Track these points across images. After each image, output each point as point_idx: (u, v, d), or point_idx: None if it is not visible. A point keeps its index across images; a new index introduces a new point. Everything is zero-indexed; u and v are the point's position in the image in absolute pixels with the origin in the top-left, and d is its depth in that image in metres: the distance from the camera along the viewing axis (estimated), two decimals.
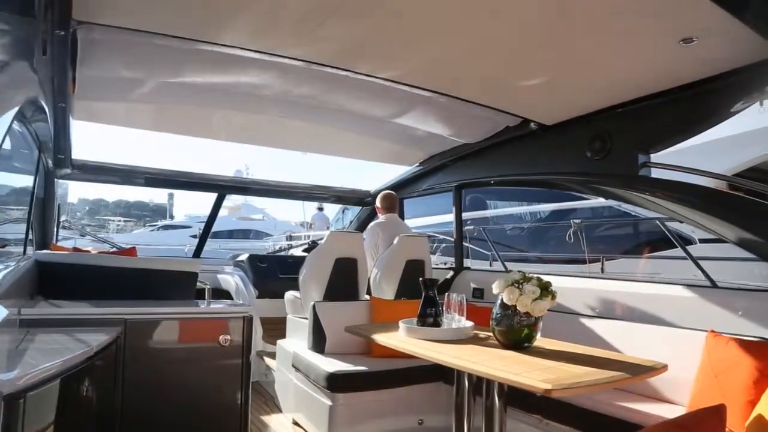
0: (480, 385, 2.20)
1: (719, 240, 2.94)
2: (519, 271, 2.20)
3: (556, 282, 2.29)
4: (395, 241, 4.05)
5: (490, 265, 7.45)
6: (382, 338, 2.39)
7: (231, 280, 4.43)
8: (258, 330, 4.30)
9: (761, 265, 4.05)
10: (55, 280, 2.61)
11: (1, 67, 1.61)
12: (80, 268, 2.71)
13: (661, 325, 2.80)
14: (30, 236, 3.14)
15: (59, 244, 4.15)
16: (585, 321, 3.16)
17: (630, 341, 2.82)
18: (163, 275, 2.85)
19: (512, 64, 2.64)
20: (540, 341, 2.19)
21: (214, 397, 2.49)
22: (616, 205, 7.77)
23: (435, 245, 8.68)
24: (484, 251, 7.62)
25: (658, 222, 4.08)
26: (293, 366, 3.44)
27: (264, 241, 19.31)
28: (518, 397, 2.46)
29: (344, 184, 5.68)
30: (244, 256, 5.15)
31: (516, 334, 2.13)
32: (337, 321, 3.24)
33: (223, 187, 5.10)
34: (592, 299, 3.25)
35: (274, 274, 4.96)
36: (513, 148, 3.78)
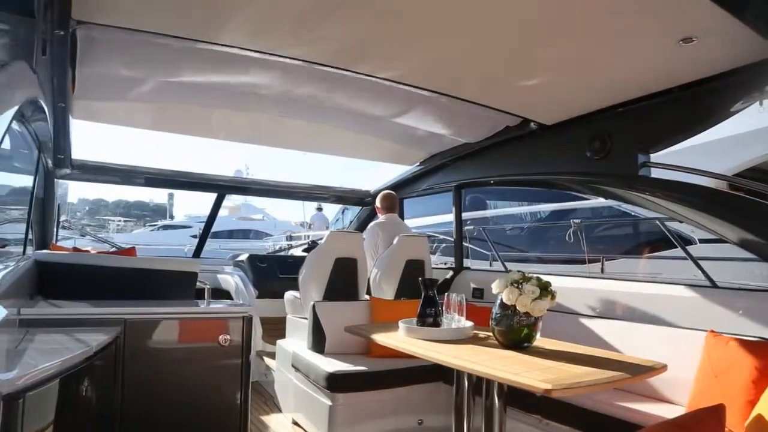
0: (480, 385, 2.20)
1: (719, 240, 2.94)
2: (519, 271, 2.20)
3: (556, 282, 2.29)
4: (395, 241, 4.05)
5: (490, 265, 7.44)
6: (382, 338, 2.39)
7: (231, 280, 4.44)
8: (258, 330, 4.30)
9: (761, 265, 4.04)
10: (54, 280, 2.61)
11: (0, 66, 1.61)
12: (80, 268, 2.71)
13: (660, 325, 2.80)
14: (30, 236, 3.13)
15: (59, 244, 4.14)
16: (585, 321, 3.16)
17: (630, 341, 2.82)
18: (163, 275, 2.85)
19: (512, 64, 2.64)
20: (540, 341, 2.19)
21: (213, 397, 2.49)
22: (616, 205, 7.75)
23: (435, 245, 8.67)
24: (484, 251, 7.61)
25: (658, 222, 4.08)
26: (293, 366, 3.44)
27: (264, 241, 19.30)
28: (518, 397, 2.46)
29: (344, 184, 5.71)
30: (243, 256, 5.15)
31: (516, 334, 2.13)
32: (337, 321, 3.24)
33: (222, 187, 5.09)
34: (591, 299, 3.25)
35: (273, 274, 4.96)
36: (513, 148, 3.77)
